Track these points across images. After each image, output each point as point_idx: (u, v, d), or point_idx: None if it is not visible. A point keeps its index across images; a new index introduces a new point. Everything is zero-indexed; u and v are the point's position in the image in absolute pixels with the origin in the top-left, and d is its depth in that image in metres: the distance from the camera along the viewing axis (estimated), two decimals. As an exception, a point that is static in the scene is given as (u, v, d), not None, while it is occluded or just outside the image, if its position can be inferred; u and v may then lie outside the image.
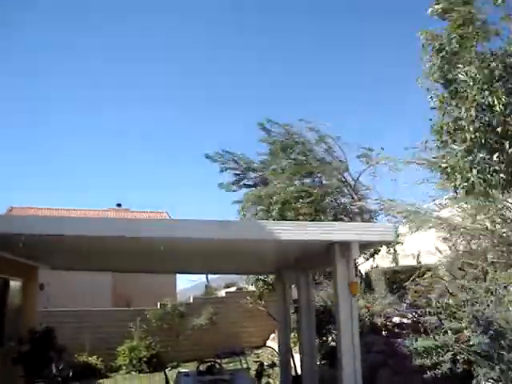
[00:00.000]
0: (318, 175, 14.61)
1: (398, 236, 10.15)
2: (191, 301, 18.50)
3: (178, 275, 24.36)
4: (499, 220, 8.84)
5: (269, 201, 13.10)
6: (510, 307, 7.75)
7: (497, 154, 6.73)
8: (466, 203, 8.30)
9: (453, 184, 7.40)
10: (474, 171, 6.80)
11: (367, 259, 13.95)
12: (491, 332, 6.96)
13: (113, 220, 12.22)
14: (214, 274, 19.00)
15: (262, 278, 12.68)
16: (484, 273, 8.77)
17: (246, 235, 6.66)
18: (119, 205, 31.06)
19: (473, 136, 6.75)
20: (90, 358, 14.75)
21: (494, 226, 9.01)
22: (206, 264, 10.24)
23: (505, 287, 7.78)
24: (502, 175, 6.69)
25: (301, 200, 12.79)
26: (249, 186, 15.17)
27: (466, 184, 7.02)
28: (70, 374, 10.68)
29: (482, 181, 6.76)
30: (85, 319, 15.89)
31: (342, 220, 12.83)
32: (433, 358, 7.73)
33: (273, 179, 14.12)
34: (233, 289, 21.69)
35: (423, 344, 8.20)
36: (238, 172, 15.34)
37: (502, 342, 7.06)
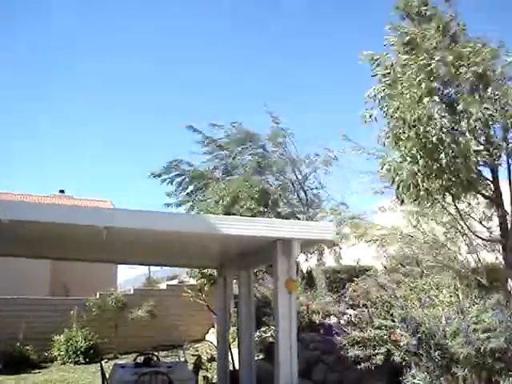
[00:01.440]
0: (269, 172, 14.66)
1: (342, 237, 10.38)
2: (132, 292, 18.26)
3: (119, 266, 23.99)
4: (437, 225, 9.20)
5: (218, 196, 13.06)
6: (440, 308, 8.09)
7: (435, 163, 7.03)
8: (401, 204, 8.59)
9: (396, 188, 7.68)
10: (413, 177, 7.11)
11: (319, 257, 14.17)
12: (419, 335, 7.24)
13: (52, 206, 11.87)
14: (156, 265, 18.83)
15: (205, 271, 12.64)
16: (420, 275, 9.12)
17: (190, 228, 6.63)
18: (62, 191, 30.24)
19: (411, 145, 7.04)
20: (24, 348, 14.27)
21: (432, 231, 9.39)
22: (148, 255, 10.12)
23: (437, 288, 8.10)
24: (439, 182, 7.02)
25: (249, 196, 12.80)
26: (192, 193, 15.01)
27: (405, 189, 7.32)
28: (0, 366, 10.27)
29: (421, 186, 7.08)
30: (20, 308, 15.37)
31: (288, 218, 12.96)
32: (367, 350, 7.95)
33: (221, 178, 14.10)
34: (175, 281, 21.53)
35: (359, 335, 8.40)
36: (181, 179, 15.12)
37: (431, 341, 7.35)
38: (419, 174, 7.08)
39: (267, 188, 13.21)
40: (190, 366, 9.77)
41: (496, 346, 6.84)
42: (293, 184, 14.39)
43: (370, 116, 7.87)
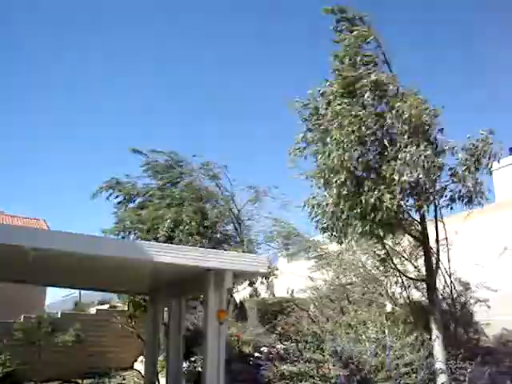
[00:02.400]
0: (204, 203, 14.63)
1: (276, 269, 10.47)
2: (59, 316, 17.52)
3: (48, 288, 23.04)
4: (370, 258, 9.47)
5: (153, 222, 12.88)
6: (367, 343, 8.27)
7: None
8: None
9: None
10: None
11: (252, 288, 14.17)
12: (351, 367, 7.38)
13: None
14: (85, 289, 18.21)
15: (135, 297, 12.38)
16: (348, 308, 9.29)
17: (121, 253, 6.51)
18: (-6, 207, 28.91)
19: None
20: None
21: (364, 267, 9.66)
22: (77, 279, 9.82)
23: (364, 324, 8.29)
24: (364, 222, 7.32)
25: (190, 221, 12.71)
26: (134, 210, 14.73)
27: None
28: None
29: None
30: None
31: (223, 248, 12.95)
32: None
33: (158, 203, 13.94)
34: (105, 306, 20.90)
35: (288, 369, 8.45)
36: (121, 200, 14.86)
37: (358, 376, 7.51)
38: (344, 214, 7.34)
39: (205, 216, 13.16)
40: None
41: (414, 382, 7.06)
42: (229, 214, 14.42)
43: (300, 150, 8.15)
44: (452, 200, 7.81)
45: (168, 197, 13.89)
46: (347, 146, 7.17)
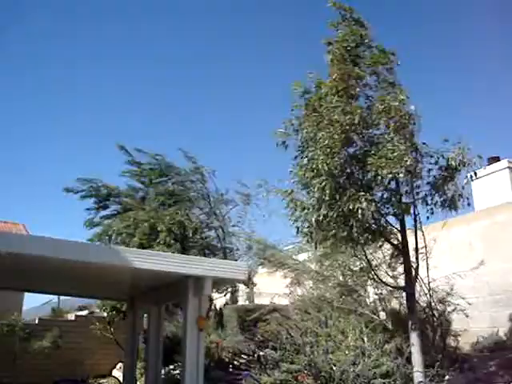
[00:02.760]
0: (188, 206, 14.58)
1: (254, 275, 10.47)
2: (36, 322, 17.27)
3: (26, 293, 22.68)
4: (346, 270, 9.52)
5: (133, 227, 12.79)
6: (346, 352, 8.31)
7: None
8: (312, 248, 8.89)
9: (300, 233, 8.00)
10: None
11: (233, 295, 14.13)
12: (321, 378, 7.42)
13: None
14: (64, 295, 17.99)
15: (115, 304, 12.27)
16: (328, 318, 9.32)
17: (100, 259, 6.47)
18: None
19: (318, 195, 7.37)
20: None
21: (343, 275, 9.70)
22: (55, 284, 9.72)
23: (342, 333, 8.33)
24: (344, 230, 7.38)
25: (167, 227, 12.66)
26: (109, 217, 14.57)
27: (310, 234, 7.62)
28: None
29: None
30: None
31: (205, 255, 12.91)
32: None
33: (141, 207, 13.85)
34: (84, 312, 20.66)
35: (266, 380, 8.46)
36: (99, 200, 14.67)
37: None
38: (324, 221, 7.37)
39: (185, 221, 13.12)
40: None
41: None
42: (211, 220, 14.40)
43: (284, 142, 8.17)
44: (432, 205, 7.93)
45: (152, 201, 13.82)
46: (333, 149, 7.21)
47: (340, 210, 7.22)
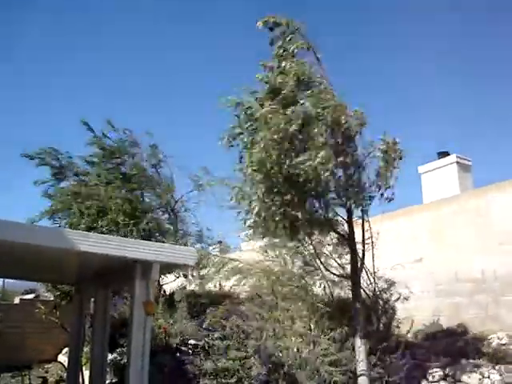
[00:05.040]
0: (143, 190, 14.38)
1: (205, 260, 10.47)
2: (-23, 305, 16.79)
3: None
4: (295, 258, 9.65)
5: (84, 205, 12.52)
6: (292, 338, 8.45)
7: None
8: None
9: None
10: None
11: (182, 280, 14.07)
12: (269, 365, 7.52)
13: None
14: (6, 278, 17.50)
15: (62, 287, 12.03)
16: (275, 304, 9.44)
17: (45, 242, 6.29)
18: None
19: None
20: None
21: (289, 263, 9.83)
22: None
23: (290, 319, 8.46)
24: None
25: (118, 209, 12.45)
26: (63, 192, 14.19)
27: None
28: None
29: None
30: None
31: (156, 239, 12.80)
32: (219, 380, 8.07)
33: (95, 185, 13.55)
34: (30, 296, 20.18)
35: (212, 366, 8.51)
36: (56, 171, 14.26)
37: (281, 371, 7.65)
38: (271, 209, 7.45)
39: (136, 202, 12.97)
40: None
41: (340, 379, 7.27)
42: (165, 205, 14.27)
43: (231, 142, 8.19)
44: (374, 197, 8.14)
45: (101, 181, 13.52)
46: (270, 145, 7.26)
47: (285, 200, 7.34)
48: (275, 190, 7.50)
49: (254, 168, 7.37)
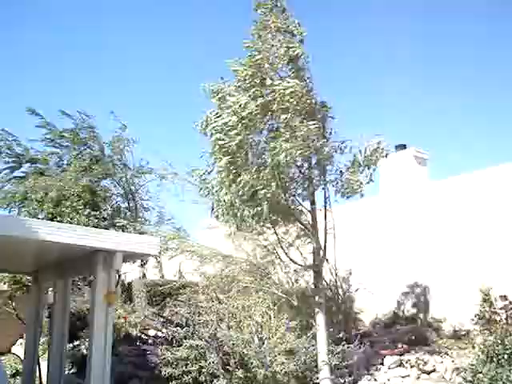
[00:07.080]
0: (103, 175, 14.14)
1: (166, 250, 10.40)
2: None
3: None
4: (257, 247, 9.71)
5: (42, 194, 12.24)
6: (250, 327, 8.52)
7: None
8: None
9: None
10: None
11: (142, 269, 13.98)
12: (221, 354, 7.63)
13: None
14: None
15: (18, 277, 11.76)
16: (236, 294, 9.49)
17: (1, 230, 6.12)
18: None
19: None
20: None
21: (251, 253, 9.90)
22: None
23: (248, 309, 8.54)
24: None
25: (78, 195, 12.24)
26: (21, 178, 13.89)
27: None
28: None
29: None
30: None
31: (116, 226, 12.65)
32: (180, 369, 8.10)
33: (53, 172, 13.27)
34: (-16, 286, 19.59)
35: (173, 355, 8.50)
36: (11, 160, 13.89)
37: (232, 360, 7.77)
38: (236, 200, 7.51)
39: (98, 191, 12.77)
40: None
41: (294, 368, 7.41)
42: (125, 190, 14.12)
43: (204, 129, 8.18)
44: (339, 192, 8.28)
45: (60, 167, 13.28)
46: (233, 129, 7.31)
47: (249, 190, 7.40)
48: (240, 177, 7.51)
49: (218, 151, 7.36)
